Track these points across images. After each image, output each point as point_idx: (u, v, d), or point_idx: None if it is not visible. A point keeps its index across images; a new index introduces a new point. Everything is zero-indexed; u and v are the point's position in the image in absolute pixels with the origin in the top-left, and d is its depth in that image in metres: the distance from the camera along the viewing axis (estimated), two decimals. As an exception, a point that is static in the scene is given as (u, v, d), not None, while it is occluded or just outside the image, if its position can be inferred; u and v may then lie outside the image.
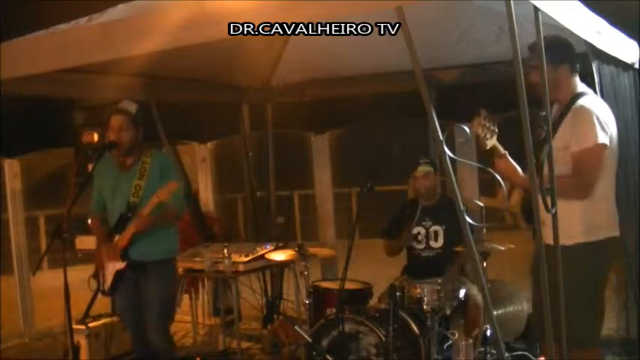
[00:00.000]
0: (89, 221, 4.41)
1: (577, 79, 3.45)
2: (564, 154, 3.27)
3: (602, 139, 3.23)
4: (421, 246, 4.86)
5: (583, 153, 3.23)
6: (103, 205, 4.32)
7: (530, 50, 3.22)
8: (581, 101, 3.34)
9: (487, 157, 3.66)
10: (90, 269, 4.36)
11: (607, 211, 3.42)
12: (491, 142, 3.21)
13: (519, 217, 3.57)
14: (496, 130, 3.15)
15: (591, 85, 3.72)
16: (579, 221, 3.30)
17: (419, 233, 4.86)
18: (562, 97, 3.41)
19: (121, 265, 4.11)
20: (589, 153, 3.23)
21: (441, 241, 4.81)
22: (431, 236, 4.84)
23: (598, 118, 3.25)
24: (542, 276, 2.80)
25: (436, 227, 4.83)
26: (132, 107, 4.14)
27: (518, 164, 3.36)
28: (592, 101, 3.36)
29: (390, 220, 5.10)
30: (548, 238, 3.03)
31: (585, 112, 3.27)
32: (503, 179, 3.10)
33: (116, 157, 4.25)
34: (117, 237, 4.11)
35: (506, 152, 3.37)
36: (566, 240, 3.09)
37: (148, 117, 4.77)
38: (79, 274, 4.24)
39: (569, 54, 3.39)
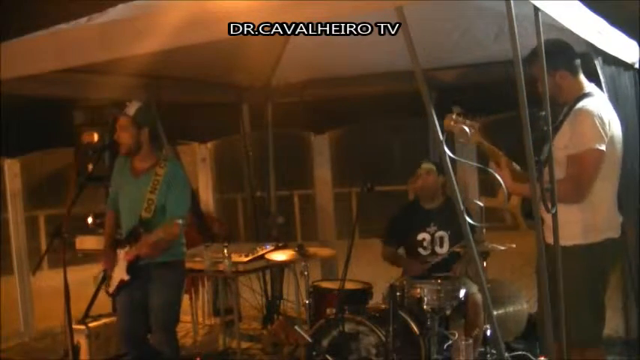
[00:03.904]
0: (89, 220, 4.40)
1: (580, 79, 3.42)
2: (562, 155, 3.26)
3: (599, 144, 3.19)
4: (426, 252, 4.80)
5: (579, 156, 3.21)
6: (118, 203, 4.26)
7: (528, 61, 3.16)
8: (582, 103, 3.30)
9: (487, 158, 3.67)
10: (90, 269, 4.35)
11: (606, 212, 3.39)
12: (475, 138, 3.20)
13: (519, 217, 3.57)
14: (475, 124, 3.15)
15: (597, 85, 3.71)
16: (577, 223, 3.29)
17: (424, 239, 4.80)
18: (566, 99, 3.40)
19: (125, 276, 4.06)
20: (584, 157, 3.20)
21: (446, 247, 4.74)
22: (436, 242, 4.78)
23: (599, 120, 3.21)
24: (543, 275, 2.80)
25: (441, 233, 4.77)
26: (132, 108, 4.09)
27: (518, 164, 3.37)
28: (594, 103, 3.30)
29: (390, 224, 5.03)
30: (548, 238, 3.05)
31: (584, 115, 3.23)
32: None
33: (131, 160, 4.20)
34: (125, 250, 4.09)
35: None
36: (564, 241, 3.08)
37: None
38: (79, 274, 4.24)
39: (566, 57, 3.38)
